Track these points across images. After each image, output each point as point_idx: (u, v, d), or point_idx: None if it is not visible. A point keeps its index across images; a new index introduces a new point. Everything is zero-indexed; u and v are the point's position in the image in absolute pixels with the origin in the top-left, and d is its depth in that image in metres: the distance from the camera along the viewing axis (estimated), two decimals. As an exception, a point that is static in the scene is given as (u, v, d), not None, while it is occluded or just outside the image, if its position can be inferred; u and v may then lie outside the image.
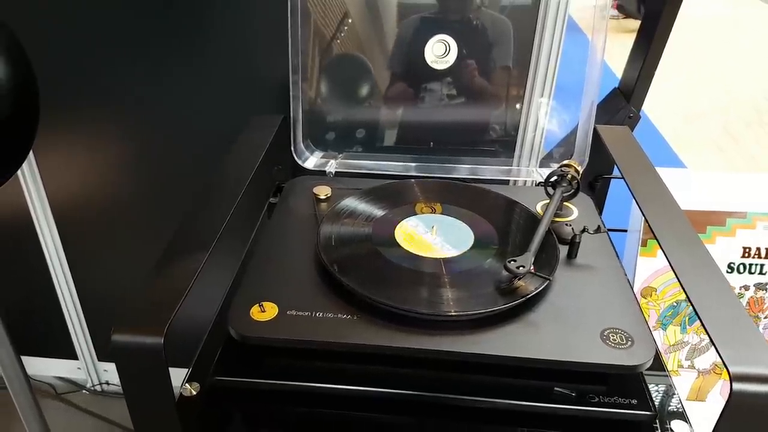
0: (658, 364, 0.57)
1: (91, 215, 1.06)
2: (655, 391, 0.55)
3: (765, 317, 0.74)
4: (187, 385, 0.53)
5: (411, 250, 0.57)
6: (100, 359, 1.24)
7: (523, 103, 0.80)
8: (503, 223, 0.61)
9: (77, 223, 1.08)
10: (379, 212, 0.62)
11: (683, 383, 0.76)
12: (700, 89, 3.14)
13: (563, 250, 0.59)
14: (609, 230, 0.74)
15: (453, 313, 0.50)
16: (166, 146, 0.99)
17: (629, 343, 0.49)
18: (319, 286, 0.54)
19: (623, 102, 1.58)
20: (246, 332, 0.50)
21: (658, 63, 1.55)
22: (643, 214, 0.58)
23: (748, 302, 0.73)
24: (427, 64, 0.73)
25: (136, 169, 1.02)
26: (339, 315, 0.51)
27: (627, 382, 0.51)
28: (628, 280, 0.57)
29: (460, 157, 0.80)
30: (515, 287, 0.52)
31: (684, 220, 0.57)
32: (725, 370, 0.41)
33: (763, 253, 0.71)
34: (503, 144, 0.82)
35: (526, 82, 0.79)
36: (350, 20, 0.74)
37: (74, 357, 1.24)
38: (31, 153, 1.00)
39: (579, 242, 0.58)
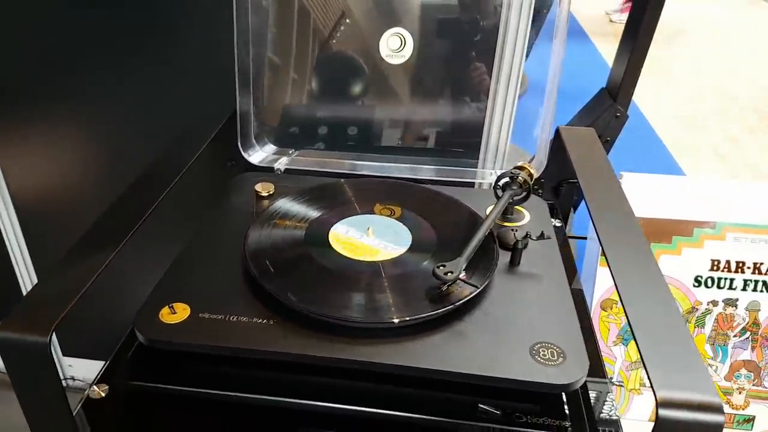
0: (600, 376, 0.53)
1: (55, 212, 1.04)
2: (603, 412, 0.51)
3: (734, 335, 0.69)
4: (95, 387, 0.50)
5: (342, 253, 0.53)
6: (64, 354, 1.22)
7: (487, 104, 0.76)
8: (445, 226, 0.58)
9: (41, 219, 1.06)
10: (314, 213, 0.59)
11: (645, 404, 0.72)
12: (701, 94, 3.08)
13: (507, 256, 0.55)
14: (570, 237, 0.71)
15: (372, 321, 0.47)
16: (131, 145, 0.97)
17: (561, 359, 0.45)
18: (239, 289, 0.51)
19: (610, 101, 1.54)
20: (151, 335, 0.47)
21: (643, 62, 1.51)
22: (593, 221, 0.55)
23: (716, 318, 0.69)
24: (383, 59, 0.70)
25: (100, 167, 1.00)
26: (254, 319, 0.48)
27: (559, 402, 0.47)
28: (579, 290, 0.54)
29: (422, 158, 0.77)
30: (444, 294, 0.48)
31: (635, 228, 0.54)
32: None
33: (733, 267, 0.67)
34: (468, 145, 0.78)
35: (490, 81, 0.76)
36: (307, 11, 0.71)
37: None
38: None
39: (521, 249, 0.54)
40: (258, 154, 0.72)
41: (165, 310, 0.48)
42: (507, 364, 0.44)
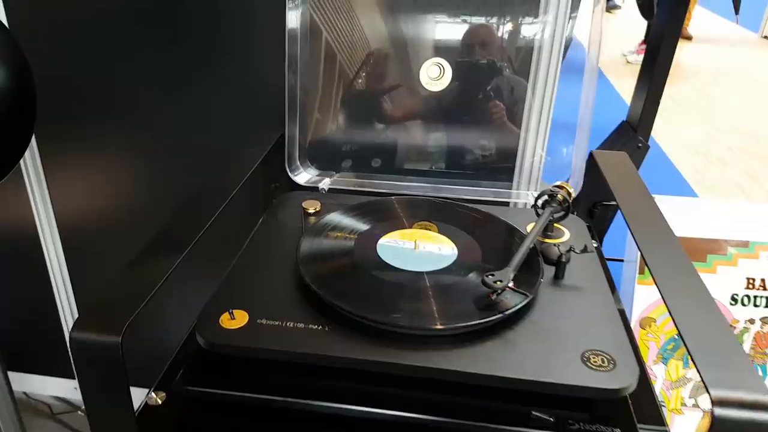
0: (649, 395, 0.54)
1: (97, 233, 1.07)
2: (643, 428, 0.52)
3: (773, 354, 0.70)
4: (153, 393, 0.52)
5: (391, 264, 0.55)
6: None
7: (521, 129, 0.79)
8: (488, 240, 0.60)
9: (83, 241, 1.09)
10: (363, 227, 0.61)
11: (687, 423, 0.72)
12: (721, 131, 3.10)
13: (551, 270, 0.57)
14: (607, 259, 0.72)
15: (425, 328, 0.48)
16: (176, 165, 1.00)
17: (611, 365, 0.46)
18: (294, 297, 0.53)
19: (631, 133, 1.57)
20: (212, 339, 0.48)
21: (660, 96, 1.54)
22: (635, 239, 0.56)
23: (753, 337, 0.69)
24: (422, 86, 0.73)
25: (144, 187, 1.03)
26: (311, 326, 0.50)
27: (612, 409, 0.48)
28: (620, 310, 0.55)
29: (459, 179, 0.80)
30: (494, 303, 0.50)
31: (677, 246, 0.55)
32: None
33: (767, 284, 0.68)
34: (502, 168, 0.81)
35: (524, 108, 0.78)
36: (353, 43, 0.75)
37: (72, 377, 1.23)
38: (41, 170, 1.02)
39: (565, 262, 0.56)
40: (303, 175, 0.75)
41: (225, 316, 0.50)
42: (559, 369, 0.46)
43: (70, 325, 1.15)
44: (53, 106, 0.94)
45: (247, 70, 0.91)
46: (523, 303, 0.50)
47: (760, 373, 0.70)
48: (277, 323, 0.50)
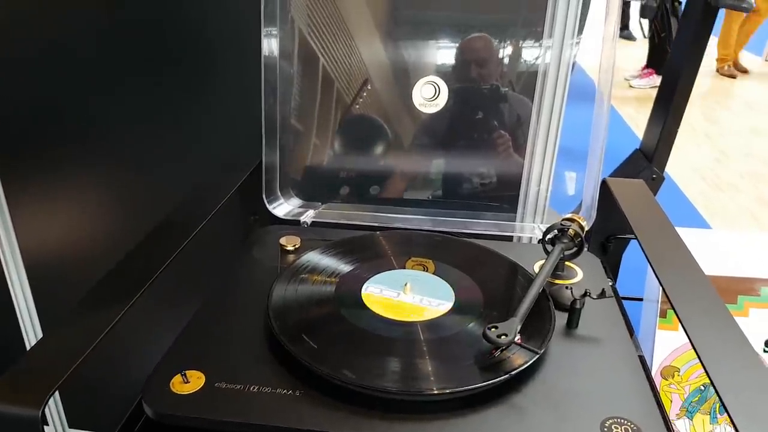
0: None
1: (64, 264, 1.00)
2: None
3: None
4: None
5: (378, 313, 0.48)
6: (71, 426, 1.15)
7: (525, 155, 0.72)
8: (491, 282, 0.52)
9: (53, 283, 1.01)
10: (345, 268, 0.53)
11: (718, 486, 0.63)
12: (729, 156, 3.02)
13: (562, 317, 0.49)
14: (622, 298, 0.64)
15: (418, 392, 0.40)
16: (150, 198, 0.93)
17: (638, 437, 0.38)
18: (262, 355, 0.45)
19: (645, 163, 1.50)
20: (160, 408, 0.40)
21: (679, 122, 1.48)
22: (659, 279, 0.48)
23: (794, 389, 0.61)
24: (416, 107, 0.66)
25: (119, 221, 0.96)
26: (279, 390, 0.42)
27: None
28: (640, 357, 0.47)
29: (458, 210, 0.72)
30: (498, 361, 0.42)
31: (708, 287, 0.47)
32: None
33: (810, 330, 0.60)
34: (505, 198, 0.73)
35: (528, 133, 0.71)
36: (339, 66, 0.68)
37: (45, 423, 1.14)
38: (4, 203, 0.94)
39: (580, 309, 0.48)
40: (283, 207, 0.68)
41: (177, 379, 0.42)
42: (576, 445, 0.38)
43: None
44: (17, 132, 0.88)
45: (225, 95, 0.85)
46: (532, 361, 0.42)
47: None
48: (238, 387, 0.42)
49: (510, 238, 0.73)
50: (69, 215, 0.97)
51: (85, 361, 0.39)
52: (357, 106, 0.69)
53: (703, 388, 0.62)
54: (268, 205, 0.67)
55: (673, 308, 0.45)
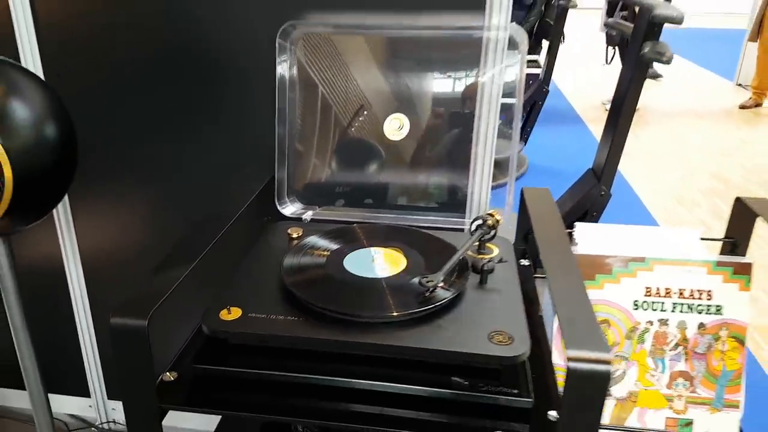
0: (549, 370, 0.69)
1: (114, 266, 1.24)
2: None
3: (669, 350, 0.85)
4: (167, 372, 0.68)
5: (354, 273, 0.72)
6: (109, 398, 1.38)
7: (470, 170, 0.97)
8: (432, 255, 0.76)
9: (102, 273, 1.25)
10: (333, 246, 0.78)
11: (605, 409, 0.87)
12: (694, 175, 3.28)
13: (477, 278, 0.73)
14: (536, 276, 0.89)
15: (376, 316, 0.65)
16: (184, 205, 1.17)
17: (510, 340, 0.62)
18: (278, 298, 0.69)
19: (595, 181, 1.75)
20: (214, 328, 0.65)
21: (623, 146, 1.74)
22: (541, 256, 0.73)
23: (653, 336, 0.85)
24: (386, 136, 0.91)
25: (157, 224, 1.20)
26: (289, 317, 0.66)
27: (513, 377, 0.64)
28: (536, 317, 0.71)
29: (422, 211, 0.97)
30: (428, 298, 0.66)
31: (570, 258, 0.71)
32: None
33: (662, 293, 0.84)
34: (456, 202, 0.98)
35: (470, 154, 0.96)
36: (328, 100, 0.93)
37: (87, 395, 1.37)
38: (69, 209, 1.19)
39: (487, 270, 0.73)
40: (289, 208, 0.92)
41: (224, 311, 0.66)
42: (472, 343, 0.62)
43: (88, 349, 1.30)
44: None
45: (244, 121, 1.09)
46: (449, 298, 0.66)
47: (661, 366, 0.85)
48: (263, 316, 0.66)
49: (462, 230, 0.97)
50: (117, 219, 1.21)
51: (167, 300, 0.63)
52: (345, 134, 0.94)
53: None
54: (278, 207, 0.91)
55: (543, 266, 0.69)
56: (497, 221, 0.80)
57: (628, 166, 3.37)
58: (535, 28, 4.36)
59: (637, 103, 1.62)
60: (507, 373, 0.64)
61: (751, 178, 3.19)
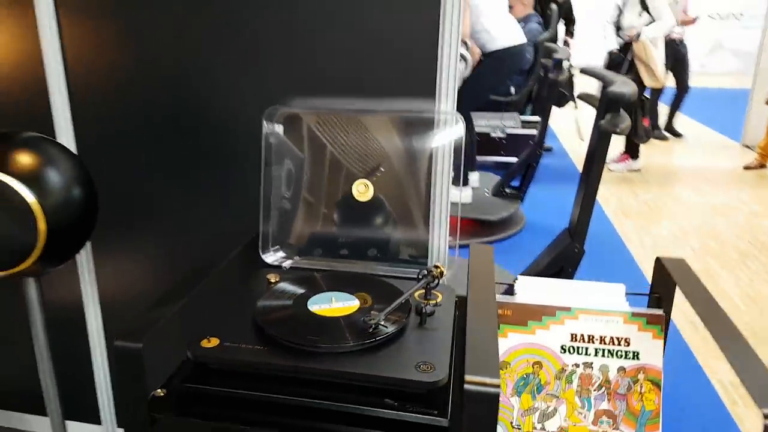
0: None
1: (130, 305, 1.41)
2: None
3: (594, 390, 0.98)
4: (159, 390, 0.83)
5: (315, 312, 0.87)
6: (119, 425, 1.52)
7: (429, 224, 1.13)
8: (381, 299, 0.91)
9: (118, 309, 1.42)
10: (300, 290, 0.94)
11: (538, 440, 0.99)
12: (690, 234, 3.39)
13: (418, 319, 0.88)
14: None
15: (326, 347, 0.80)
16: (188, 253, 1.34)
17: (432, 369, 0.77)
18: (250, 331, 0.85)
19: (569, 239, 1.89)
20: (196, 353, 0.80)
21: (592, 206, 1.89)
22: (468, 304, 0.87)
23: (579, 377, 0.98)
24: (354, 197, 1.08)
25: (166, 268, 1.37)
26: (257, 347, 0.81)
27: (436, 402, 0.78)
28: (454, 338, 0.85)
29: (387, 263, 1.12)
30: (372, 333, 0.81)
31: (490, 308, 0.86)
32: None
33: (586, 339, 0.97)
34: (417, 256, 1.14)
35: (428, 212, 1.12)
36: (304, 169, 1.11)
37: (98, 422, 1.52)
38: (90, 254, 1.37)
39: (426, 313, 0.88)
40: (272, 257, 1.09)
41: (204, 341, 0.82)
42: (402, 371, 0.76)
43: (101, 380, 1.46)
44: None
45: (238, 184, 1.27)
46: (388, 334, 0.81)
47: (587, 405, 0.98)
48: (236, 345, 0.81)
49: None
50: (132, 263, 1.39)
51: (165, 328, 0.79)
52: (320, 195, 1.11)
53: (525, 376, 0.99)
54: (262, 256, 1.08)
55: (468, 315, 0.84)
56: (441, 273, 0.95)
57: (623, 225, 3.50)
58: (533, 92, 4.61)
59: (602, 167, 1.77)
60: (431, 398, 0.78)
61: (744, 238, 3.29)
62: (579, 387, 0.99)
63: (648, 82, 4.33)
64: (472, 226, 3.33)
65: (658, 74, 4.34)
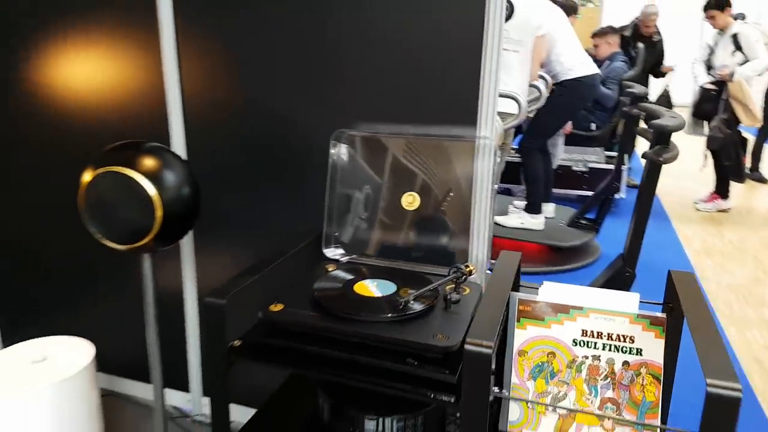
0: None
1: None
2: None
3: (601, 379, 1.11)
4: (236, 341, 1.06)
5: (359, 293, 1.08)
6: (204, 395, 1.78)
7: (470, 229, 1.31)
8: (416, 287, 1.11)
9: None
10: (350, 276, 1.15)
11: (549, 423, 1.14)
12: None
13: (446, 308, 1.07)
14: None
15: (361, 315, 1.00)
16: (268, 245, 1.59)
17: (446, 339, 0.95)
18: (308, 302, 1.07)
19: (622, 263, 2.00)
20: (265, 315, 1.03)
21: (643, 233, 1.98)
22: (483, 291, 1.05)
23: (588, 367, 1.12)
24: (402, 206, 1.28)
25: (252, 256, 1.63)
26: (311, 313, 1.03)
27: (448, 364, 0.95)
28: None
29: (430, 264, 1.31)
30: (403, 310, 1.01)
31: (503, 292, 1.03)
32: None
33: (595, 335, 1.11)
34: (456, 260, 1.32)
35: (469, 224, 1.31)
36: (363, 181, 1.33)
37: (187, 390, 1.79)
38: (192, 240, 1.66)
39: (451, 301, 1.06)
40: (331, 252, 1.31)
41: (273, 305, 1.05)
42: (422, 337, 0.95)
43: (193, 354, 1.73)
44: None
45: (308, 192, 1.51)
46: (416, 311, 1.01)
47: (594, 393, 1.11)
48: (297, 311, 1.03)
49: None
50: (224, 249, 1.66)
51: (246, 293, 1.02)
52: (375, 204, 1.33)
53: (540, 363, 1.14)
54: (323, 250, 1.30)
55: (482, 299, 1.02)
56: (470, 271, 1.14)
57: (702, 263, 3.46)
58: (618, 128, 4.63)
59: (652, 197, 1.88)
60: (445, 360, 0.96)
61: (832, 284, 3.17)
62: (587, 376, 1.12)
63: (745, 120, 4.27)
64: (546, 254, 3.43)
65: (756, 112, 4.28)
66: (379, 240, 1.33)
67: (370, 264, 1.28)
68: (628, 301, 1.17)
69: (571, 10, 3.96)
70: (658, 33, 5.09)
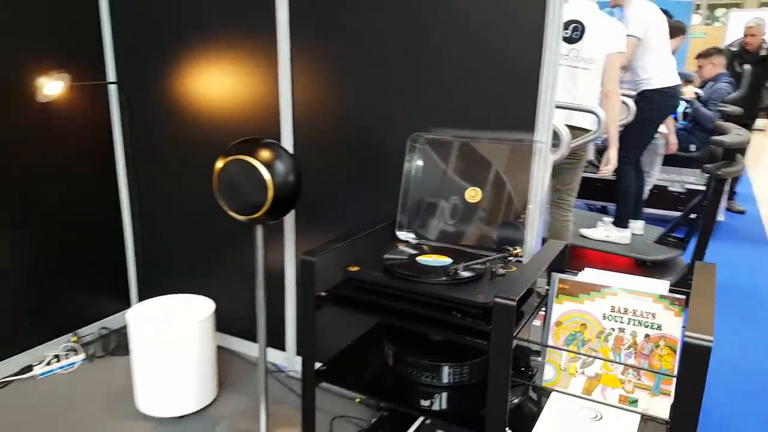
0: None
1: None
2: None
3: (625, 348, 1.29)
4: (322, 292, 1.35)
5: (421, 262, 1.34)
6: (297, 354, 2.11)
7: (525, 221, 1.53)
8: (467, 260, 1.35)
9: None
10: (413, 252, 1.41)
11: (578, 383, 1.33)
12: None
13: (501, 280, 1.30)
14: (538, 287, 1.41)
15: (419, 277, 1.26)
16: (353, 224, 1.89)
17: (486, 298, 1.19)
18: (379, 267, 1.34)
19: (686, 272, 2.12)
20: (347, 275, 1.32)
21: (706, 245, 2.08)
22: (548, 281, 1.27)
23: (614, 338, 1.30)
24: (466, 199, 1.53)
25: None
26: (381, 274, 1.30)
27: (485, 317, 1.19)
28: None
29: (486, 250, 1.55)
30: (455, 276, 1.26)
31: (538, 264, 1.25)
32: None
33: (622, 310, 1.30)
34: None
35: (525, 212, 1.53)
36: (434, 177, 1.59)
37: (284, 349, 2.13)
38: (293, 219, 1.99)
39: (496, 274, 1.29)
40: (403, 235, 1.58)
41: (351, 266, 1.33)
42: (466, 296, 1.20)
43: (290, 317, 2.06)
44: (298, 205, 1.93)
45: (386, 187, 1.79)
46: (463, 278, 1.25)
47: (618, 359, 1.29)
48: (370, 271, 1.31)
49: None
50: (319, 228, 1.98)
51: (338, 256, 1.31)
52: (441, 197, 1.58)
53: (573, 332, 1.35)
54: (396, 233, 1.57)
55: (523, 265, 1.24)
56: (517, 254, 1.36)
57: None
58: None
59: (717, 208, 1.99)
60: (483, 314, 1.20)
61: None
62: (613, 345, 1.31)
63: None
64: (630, 268, 3.49)
65: None
66: (444, 227, 1.58)
67: (434, 245, 1.53)
68: (657, 287, 1.34)
69: (678, 31, 3.97)
70: (766, 48, 4.94)
